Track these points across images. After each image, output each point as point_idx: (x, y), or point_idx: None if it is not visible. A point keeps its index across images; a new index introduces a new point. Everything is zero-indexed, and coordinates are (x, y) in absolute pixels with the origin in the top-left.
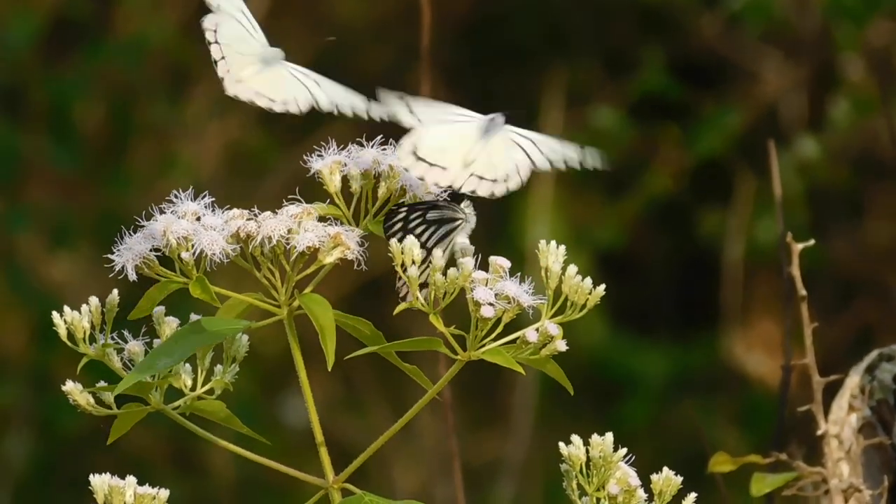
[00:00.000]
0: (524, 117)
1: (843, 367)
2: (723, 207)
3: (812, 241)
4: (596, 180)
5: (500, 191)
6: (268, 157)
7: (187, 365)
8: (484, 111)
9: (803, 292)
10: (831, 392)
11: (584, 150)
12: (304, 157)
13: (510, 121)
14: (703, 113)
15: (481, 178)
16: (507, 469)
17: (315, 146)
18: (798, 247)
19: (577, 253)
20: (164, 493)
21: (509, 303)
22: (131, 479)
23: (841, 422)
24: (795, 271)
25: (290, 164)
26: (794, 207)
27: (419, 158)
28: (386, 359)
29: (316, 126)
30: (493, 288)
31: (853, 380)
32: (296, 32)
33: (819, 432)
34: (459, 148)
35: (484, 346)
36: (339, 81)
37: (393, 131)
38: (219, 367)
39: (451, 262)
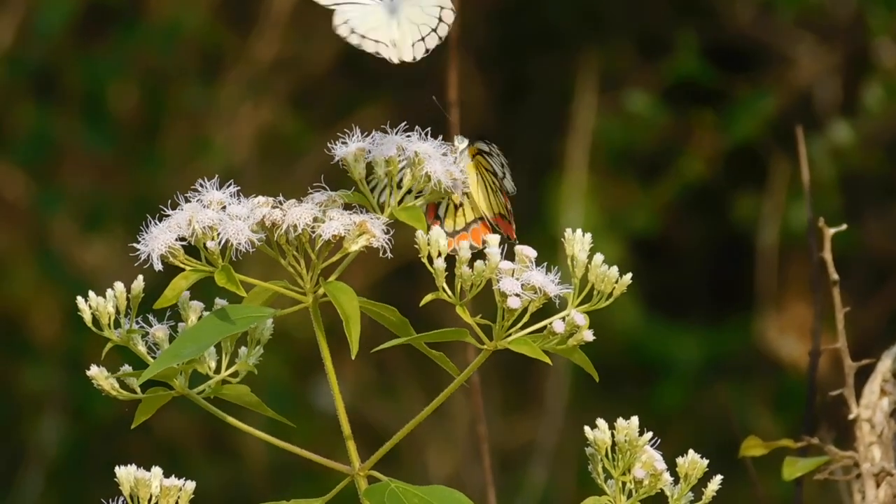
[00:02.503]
0: None
1: (875, 351)
2: (757, 192)
3: (844, 226)
4: (630, 165)
5: (432, 43)
6: (301, 140)
7: (212, 348)
8: (517, 96)
9: (835, 276)
10: (863, 376)
11: None
12: (328, 145)
13: None
14: (737, 97)
15: (415, 42)
16: (540, 452)
17: (341, 133)
18: (830, 231)
19: (611, 238)
20: (190, 485)
21: (535, 293)
22: (157, 471)
23: (873, 406)
24: (827, 255)
25: (324, 148)
26: (828, 192)
27: (363, 37)
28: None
29: (348, 110)
30: (520, 278)
31: (885, 364)
32: (324, 20)
33: (851, 416)
34: (385, 29)
35: (510, 335)
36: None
37: (420, 120)
38: (243, 350)
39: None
